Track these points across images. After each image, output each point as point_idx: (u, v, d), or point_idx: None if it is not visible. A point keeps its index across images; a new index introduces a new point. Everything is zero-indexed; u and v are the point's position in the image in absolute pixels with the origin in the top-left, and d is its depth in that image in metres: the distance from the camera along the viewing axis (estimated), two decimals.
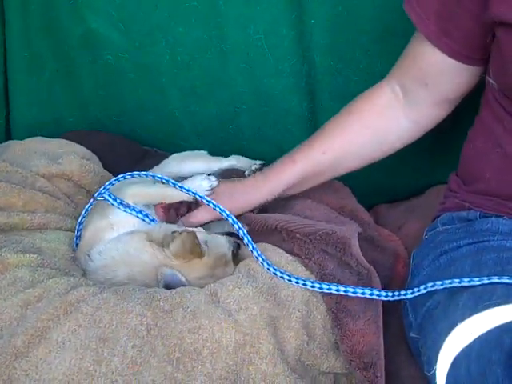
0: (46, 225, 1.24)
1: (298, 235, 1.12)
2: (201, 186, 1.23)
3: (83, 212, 1.24)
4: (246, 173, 1.39)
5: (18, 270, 1.05)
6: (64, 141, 1.48)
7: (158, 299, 1.01)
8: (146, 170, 1.40)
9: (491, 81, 1.07)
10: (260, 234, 1.18)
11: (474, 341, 0.84)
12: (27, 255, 1.09)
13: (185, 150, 1.51)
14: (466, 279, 0.94)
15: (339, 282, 1.06)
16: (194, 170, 1.37)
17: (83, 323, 0.97)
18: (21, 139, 1.50)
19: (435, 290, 0.99)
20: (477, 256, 1.01)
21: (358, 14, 1.37)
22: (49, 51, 1.50)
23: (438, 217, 1.19)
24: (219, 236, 1.18)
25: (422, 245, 1.17)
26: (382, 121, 1.18)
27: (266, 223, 1.17)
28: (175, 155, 1.48)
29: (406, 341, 1.08)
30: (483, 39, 1.03)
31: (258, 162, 1.40)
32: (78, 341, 0.95)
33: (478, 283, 0.92)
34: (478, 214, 1.11)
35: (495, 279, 0.91)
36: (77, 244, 1.21)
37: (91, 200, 1.25)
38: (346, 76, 1.44)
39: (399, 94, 1.16)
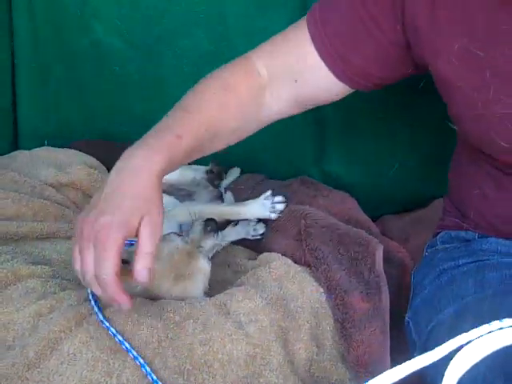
0: (56, 234, 1.25)
1: (320, 228, 1.14)
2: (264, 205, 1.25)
3: None
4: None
5: (30, 281, 1.06)
6: (72, 150, 1.49)
7: (168, 311, 1.02)
8: None
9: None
10: (282, 224, 1.21)
11: (479, 364, 0.83)
12: (39, 266, 1.10)
13: None
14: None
15: (345, 293, 1.07)
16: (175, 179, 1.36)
17: (95, 335, 0.97)
18: (28, 149, 1.51)
19: (439, 309, 0.99)
20: (478, 274, 1.01)
21: None
22: (56, 61, 1.51)
23: (437, 234, 1.19)
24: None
25: (422, 262, 1.17)
26: (254, 101, 1.08)
27: (290, 212, 1.20)
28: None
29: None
30: (380, 73, 1.02)
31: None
32: (90, 352, 0.96)
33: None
34: (476, 234, 1.11)
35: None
36: None
37: None
38: None
39: (265, 77, 1.08)
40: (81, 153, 1.49)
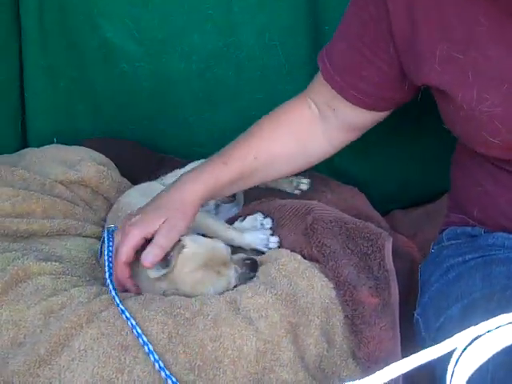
0: (66, 231, 1.26)
1: (326, 224, 1.14)
2: (260, 240, 1.23)
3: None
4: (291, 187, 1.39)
5: (41, 278, 1.07)
6: (81, 148, 1.49)
7: (178, 307, 1.02)
8: (162, 176, 1.42)
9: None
10: (289, 220, 1.22)
11: (489, 361, 0.83)
12: (49, 263, 1.11)
13: (200, 157, 1.51)
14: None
15: (354, 288, 1.06)
16: None
17: (105, 331, 0.98)
18: (37, 147, 1.51)
19: (447, 305, 0.98)
20: (486, 269, 1.01)
21: None
22: (65, 60, 1.51)
23: (443, 230, 1.19)
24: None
25: (428, 259, 1.17)
26: (307, 132, 1.19)
27: (296, 208, 1.21)
28: (193, 164, 1.48)
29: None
30: (395, 93, 1.08)
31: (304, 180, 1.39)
32: (101, 349, 0.96)
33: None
34: (483, 230, 1.11)
35: None
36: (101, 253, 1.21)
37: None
38: None
39: (315, 111, 1.19)
40: (90, 150, 1.48)
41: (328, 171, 1.54)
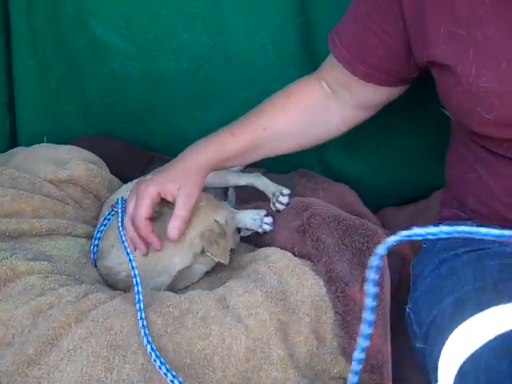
0: (56, 230, 1.24)
1: (323, 219, 1.15)
2: (254, 219, 1.24)
3: (102, 220, 1.24)
4: (271, 201, 1.30)
5: (29, 278, 1.06)
6: (71, 147, 1.48)
7: (167, 305, 1.02)
8: (152, 174, 1.41)
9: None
10: (283, 217, 1.23)
11: (482, 349, 0.83)
12: (38, 262, 1.10)
13: None
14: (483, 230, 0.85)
15: (346, 285, 1.06)
16: (208, 182, 1.32)
17: (94, 331, 0.97)
18: (27, 146, 1.50)
19: (439, 299, 0.99)
20: (478, 263, 1.01)
21: None
22: (55, 59, 1.50)
23: (436, 226, 1.19)
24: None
25: (420, 254, 1.17)
26: (318, 108, 1.21)
27: (292, 204, 1.22)
28: None
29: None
30: (400, 67, 1.11)
31: (285, 191, 1.31)
32: (90, 348, 0.96)
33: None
34: (475, 224, 1.11)
35: None
36: (94, 253, 1.21)
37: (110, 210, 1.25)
38: None
39: (327, 90, 1.21)
40: (80, 149, 1.46)
41: (319, 168, 1.54)
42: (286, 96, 1.22)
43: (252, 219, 1.24)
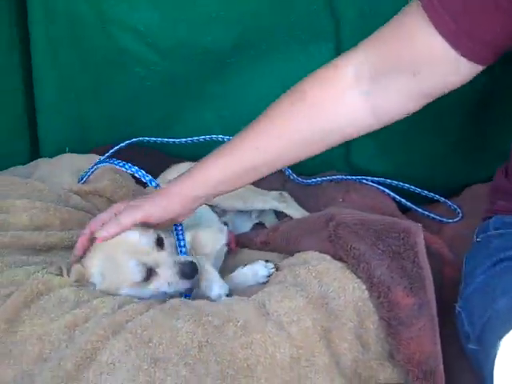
0: None
1: (350, 228, 1.09)
2: (257, 273, 1.17)
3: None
4: None
5: (62, 291, 1.03)
6: (94, 156, 1.46)
7: (206, 314, 0.99)
8: None
9: None
10: (311, 225, 1.17)
11: None
12: None
13: None
14: None
15: (388, 289, 1.02)
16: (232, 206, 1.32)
17: (133, 343, 0.94)
18: (50, 157, 1.49)
19: (493, 299, 0.94)
20: None
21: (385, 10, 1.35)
22: (76, 68, 1.49)
23: (488, 218, 1.14)
24: None
25: (473, 249, 1.12)
26: (337, 109, 1.03)
27: (314, 222, 1.16)
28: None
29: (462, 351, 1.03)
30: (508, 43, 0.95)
31: None
32: (129, 362, 0.93)
33: None
34: None
35: None
36: None
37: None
38: None
39: (365, 78, 1.00)
40: None
41: (347, 169, 1.52)
42: (299, 100, 1.05)
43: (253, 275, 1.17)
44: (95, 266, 1.08)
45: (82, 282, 1.07)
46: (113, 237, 1.08)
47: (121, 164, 1.31)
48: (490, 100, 1.44)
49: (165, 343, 0.94)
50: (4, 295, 1.02)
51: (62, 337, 0.97)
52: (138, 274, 1.06)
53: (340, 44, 1.41)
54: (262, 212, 1.42)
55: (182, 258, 1.12)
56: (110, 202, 1.38)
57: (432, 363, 0.96)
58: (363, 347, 1.01)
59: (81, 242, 1.13)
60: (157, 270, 1.07)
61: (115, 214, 1.12)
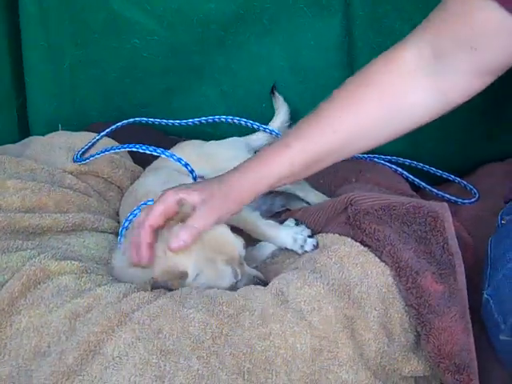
0: (82, 225, 1.15)
1: (372, 214, 1.02)
2: (294, 240, 1.09)
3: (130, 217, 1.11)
4: None
5: (62, 278, 0.96)
6: (89, 134, 1.38)
7: (220, 303, 0.91)
8: None
9: None
10: (329, 208, 1.10)
11: None
12: (68, 262, 1.00)
13: (213, 138, 1.41)
14: None
15: (417, 274, 0.95)
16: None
17: (141, 335, 0.87)
18: (41, 134, 1.40)
19: None
20: None
21: None
22: (69, 39, 1.41)
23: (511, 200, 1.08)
24: None
25: (500, 232, 1.06)
26: (405, 92, 1.01)
27: (333, 208, 1.08)
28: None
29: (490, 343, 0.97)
30: None
31: None
32: (137, 355, 0.86)
33: None
34: None
35: None
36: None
37: None
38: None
39: (428, 59, 0.99)
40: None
41: None
42: (364, 85, 1.02)
43: (295, 239, 1.09)
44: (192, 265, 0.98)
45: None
46: (187, 246, 0.96)
47: (151, 149, 1.22)
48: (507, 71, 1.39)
49: (175, 334, 0.87)
50: None
51: (61, 328, 0.89)
52: (229, 283, 1.00)
53: (348, 18, 1.34)
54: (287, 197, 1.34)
55: (254, 271, 1.04)
56: (107, 182, 1.31)
57: (465, 356, 0.89)
58: (388, 338, 0.93)
59: (145, 250, 0.98)
60: (237, 281, 1.00)
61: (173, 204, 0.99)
